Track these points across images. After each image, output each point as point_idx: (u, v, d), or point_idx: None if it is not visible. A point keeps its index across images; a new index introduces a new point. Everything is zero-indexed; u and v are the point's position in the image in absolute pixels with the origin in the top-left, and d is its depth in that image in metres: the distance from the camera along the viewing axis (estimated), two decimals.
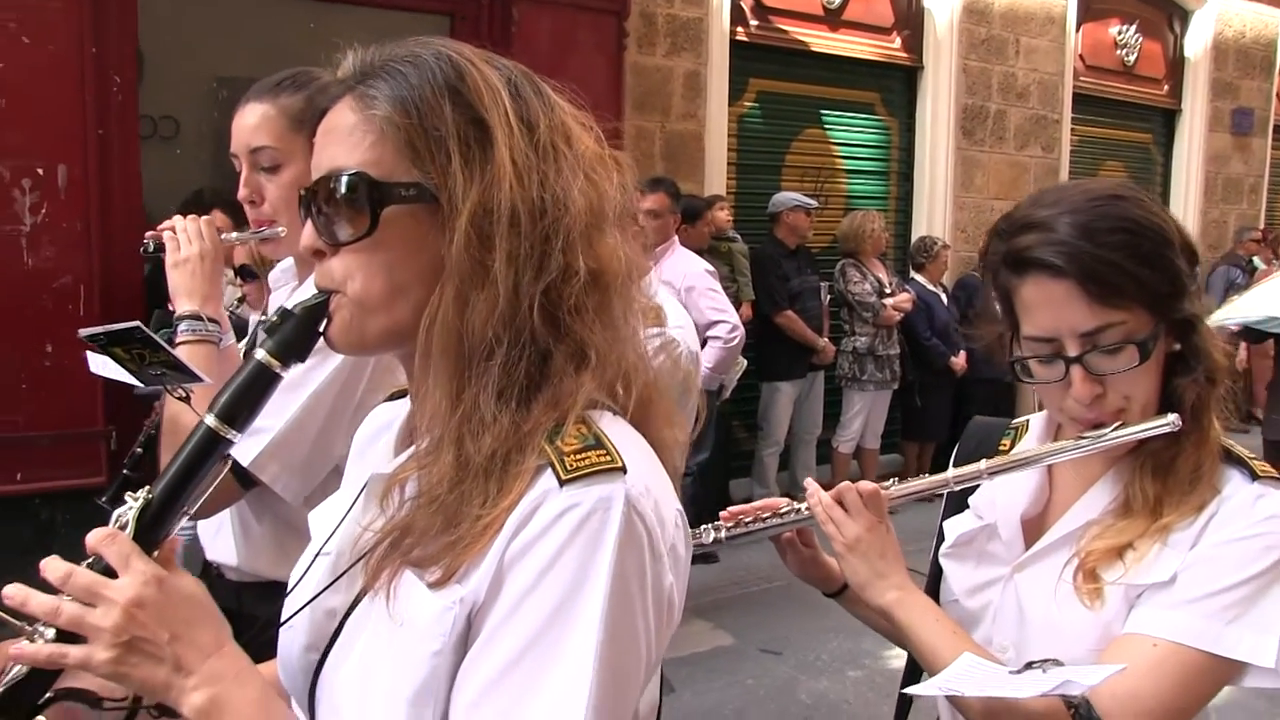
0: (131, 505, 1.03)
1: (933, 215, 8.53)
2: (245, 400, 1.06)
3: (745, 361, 6.55)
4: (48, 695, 1.02)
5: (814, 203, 7.29)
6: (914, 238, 8.35)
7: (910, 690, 1.47)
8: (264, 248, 2.12)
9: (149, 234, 2.13)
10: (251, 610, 2.03)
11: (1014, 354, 1.49)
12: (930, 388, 7.69)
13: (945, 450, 7.79)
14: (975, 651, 1.42)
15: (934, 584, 1.71)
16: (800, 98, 8.01)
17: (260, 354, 1.06)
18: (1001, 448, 1.65)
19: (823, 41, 7.91)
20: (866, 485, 1.59)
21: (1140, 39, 10.24)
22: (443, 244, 1.01)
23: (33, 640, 0.98)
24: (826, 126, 8.20)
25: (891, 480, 1.65)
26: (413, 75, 1.04)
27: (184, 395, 1.89)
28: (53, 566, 0.99)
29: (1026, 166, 9.24)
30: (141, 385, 2.88)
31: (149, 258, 2.12)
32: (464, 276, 1.00)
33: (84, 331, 1.79)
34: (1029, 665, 1.32)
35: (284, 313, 1.07)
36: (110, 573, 0.99)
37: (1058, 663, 1.30)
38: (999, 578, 1.57)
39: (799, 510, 1.64)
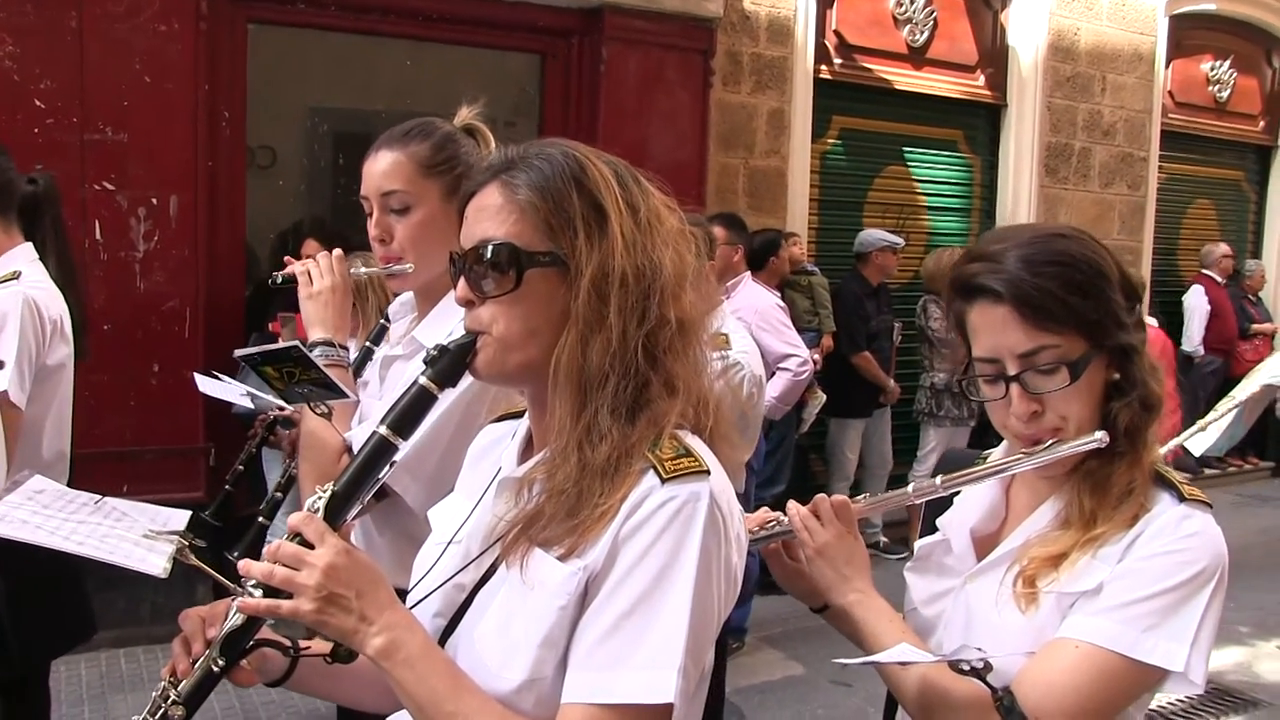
0: (320, 495, 1.31)
1: None
2: (410, 415, 1.35)
3: (824, 396, 6.61)
4: (252, 643, 1.33)
5: (902, 241, 7.34)
6: None
7: (841, 660, 1.60)
8: (391, 283, 2.29)
9: (285, 269, 2.33)
10: None
11: (966, 375, 1.65)
12: None
13: None
14: (918, 646, 1.59)
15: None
16: (883, 135, 8.06)
17: (423, 379, 1.35)
18: None
19: (906, 79, 7.96)
20: (837, 498, 1.78)
21: (1234, 75, 10.08)
22: (568, 299, 1.32)
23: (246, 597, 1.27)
24: (909, 164, 8.24)
25: (862, 495, 1.83)
26: (546, 168, 1.35)
27: (325, 411, 2.08)
28: (267, 549, 1.27)
29: (1112, 204, 9.17)
30: (247, 406, 3.09)
31: (277, 288, 2.33)
32: (586, 323, 1.30)
33: (239, 352, 1.99)
34: (956, 652, 1.49)
35: (441, 348, 1.37)
36: (308, 545, 1.26)
37: (980, 650, 1.45)
38: (952, 588, 1.70)
39: (781, 522, 1.81)
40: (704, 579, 1.23)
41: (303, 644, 1.42)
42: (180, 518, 1.76)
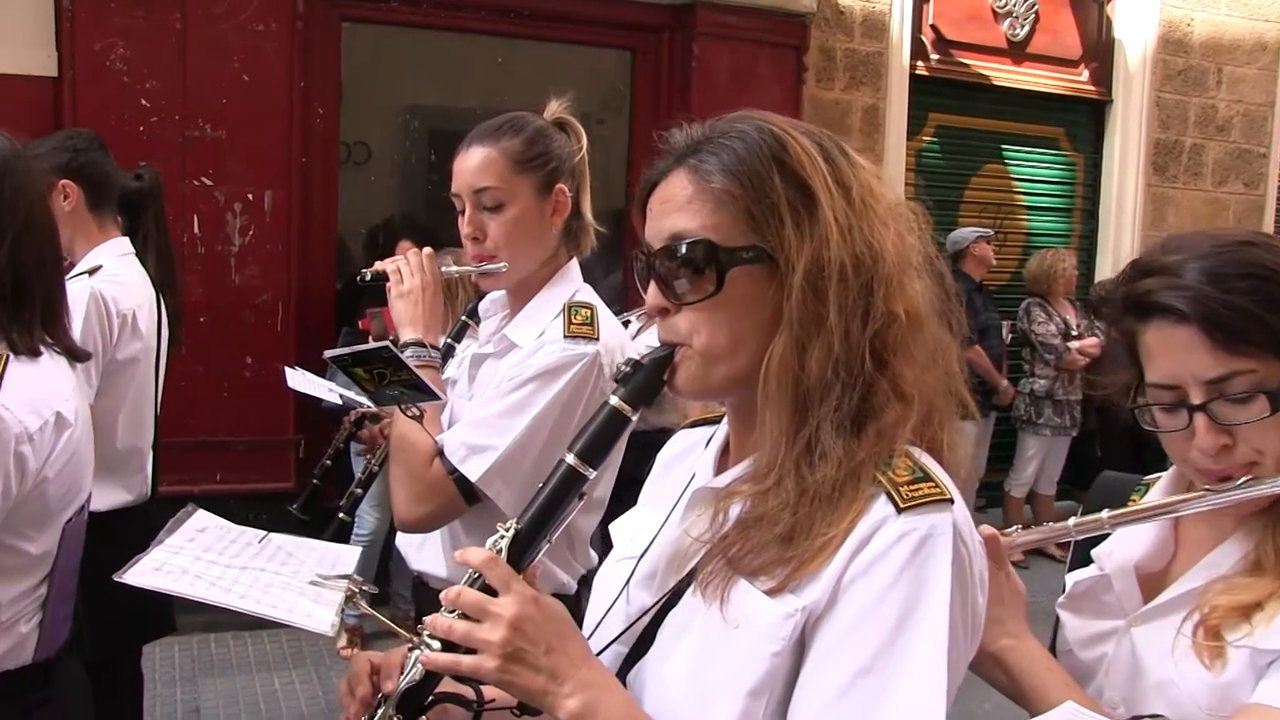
0: (503, 534, 1.17)
1: (1118, 254, 8.18)
2: (601, 442, 1.19)
3: None
4: (431, 698, 1.19)
5: (991, 231, 7.18)
6: (1097, 277, 8.05)
7: None
8: (484, 281, 2.23)
9: (374, 267, 2.29)
10: None
11: (1137, 401, 1.44)
12: (1111, 438, 7.40)
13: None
14: (1082, 703, 1.36)
15: (1055, 636, 1.65)
16: (981, 132, 7.86)
17: (614, 400, 1.19)
18: (1131, 502, 1.58)
19: (1006, 75, 7.73)
20: (985, 529, 1.51)
21: None
22: (778, 299, 1.13)
23: (421, 650, 1.14)
24: (1008, 162, 8.01)
25: (1014, 527, 1.61)
26: (740, 149, 1.16)
27: (417, 414, 2.06)
28: (446, 594, 1.13)
29: (1226, 204, 8.77)
30: (335, 403, 3.11)
31: (365, 286, 2.30)
32: (801, 326, 1.12)
33: (329, 353, 1.96)
34: (1135, 719, 1.30)
35: (634, 364, 1.20)
36: (491, 592, 1.11)
37: (1164, 718, 1.26)
38: (1114, 630, 1.51)
39: None
40: (953, 628, 1.04)
41: (487, 694, 1.30)
42: (350, 557, 1.64)
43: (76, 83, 5.11)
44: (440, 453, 2.10)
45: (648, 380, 1.19)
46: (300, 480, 5.31)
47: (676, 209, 1.18)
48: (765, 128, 1.18)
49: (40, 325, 1.88)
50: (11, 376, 1.75)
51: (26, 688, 1.87)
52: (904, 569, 1.04)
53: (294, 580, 1.54)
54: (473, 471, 2.05)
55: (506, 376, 2.11)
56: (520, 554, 1.16)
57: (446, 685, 1.21)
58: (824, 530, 1.08)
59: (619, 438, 1.20)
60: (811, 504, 1.09)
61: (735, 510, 1.16)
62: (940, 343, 1.20)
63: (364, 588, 1.56)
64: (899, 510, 1.06)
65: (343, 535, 3.21)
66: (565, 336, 2.09)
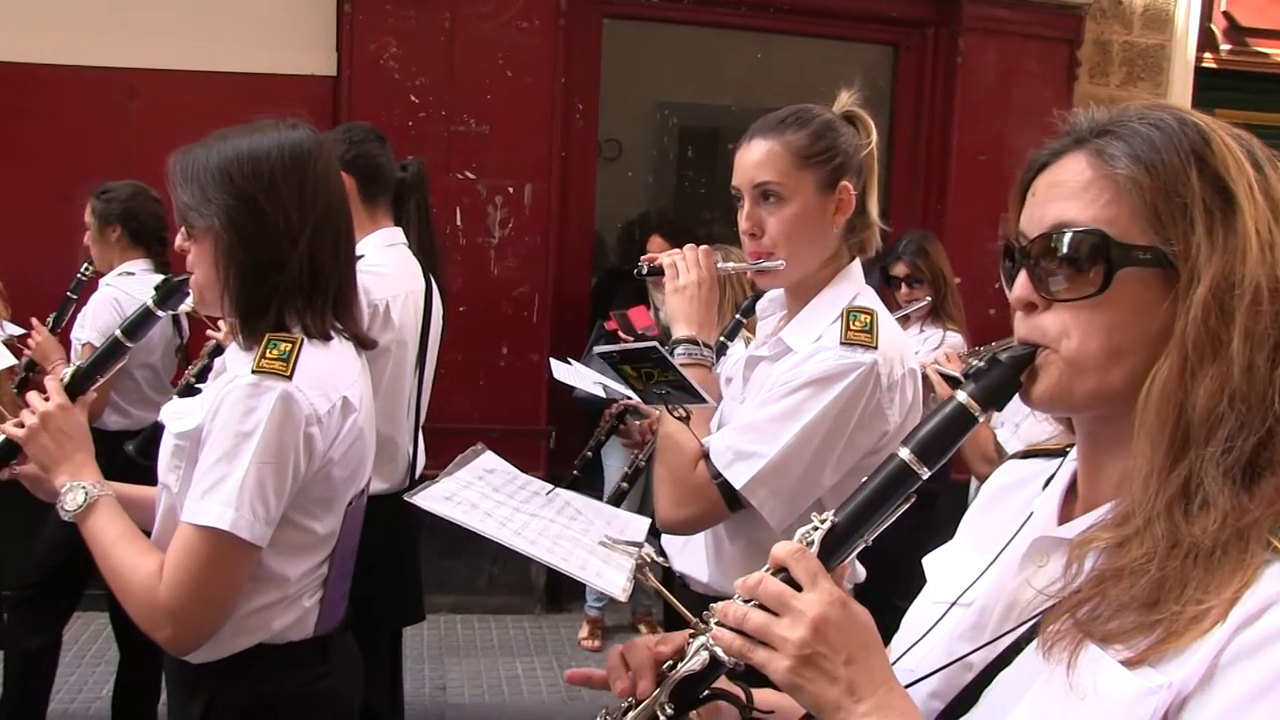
0: (817, 526, 1.06)
1: None
2: (943, 439, 1.07)
3: None
4: (706, 692, 1.12)
5: None
6: None
7: None
8: (760, 279, 2.17)
9: (645, 257, 2.27)
10: None
11: None
12: None
13: None
14: None
15: None
16: (1277, 129, 7.20)
17: (962, 396, 1.07)
18: None
19: None
20: None
21: None
22: (1171, 313, 1.00)
23: (705, 638, 1.07)
24: None
25: None
26: (1156, 138, 1.03)
27: (683, 415, 2.02)
28: (744, 582, 1.04)
29: None
30: (599, 395, 3.11)
31: (641, 279, 2.27)
32: (1196, 348, 0.98)
33: (600, 349, 1.94)
34: None
35: (992, 359, 1.07)
36: (796, 587, 1.02)
37: None
38: None
39: None
40: None
41: (762, 702, 1.20)
42: (639, 525, 1.56)
43: (353, 81, 5.39)
44: (706, 455, 2.05)
45: (1003, 380, 1.06)
46: (551, 470, 5.39)
47: (1068, 195, 1.05)
48: (1187, 119, 1.04)
49: (332, 311, 1.94)
50: (304, 360, 1.81)
51: (308, 659, 1.96)
52: None
53: (583, 537, 1.46)
54: (738, 478, 2.00)
55: (779, 381, 2.04)
56: (834, 550, 1.05)
57: (721, 683, 1.13)
58: (1199, 596, 0.91)
59: (962, 438, 1.07)
60: (1184, 560, 0.93)
61: (1090, 562, 1.00)
62: None
63: (655, 559, 1.44)
64: None
65: None
66: (842, 343, 2.00)
